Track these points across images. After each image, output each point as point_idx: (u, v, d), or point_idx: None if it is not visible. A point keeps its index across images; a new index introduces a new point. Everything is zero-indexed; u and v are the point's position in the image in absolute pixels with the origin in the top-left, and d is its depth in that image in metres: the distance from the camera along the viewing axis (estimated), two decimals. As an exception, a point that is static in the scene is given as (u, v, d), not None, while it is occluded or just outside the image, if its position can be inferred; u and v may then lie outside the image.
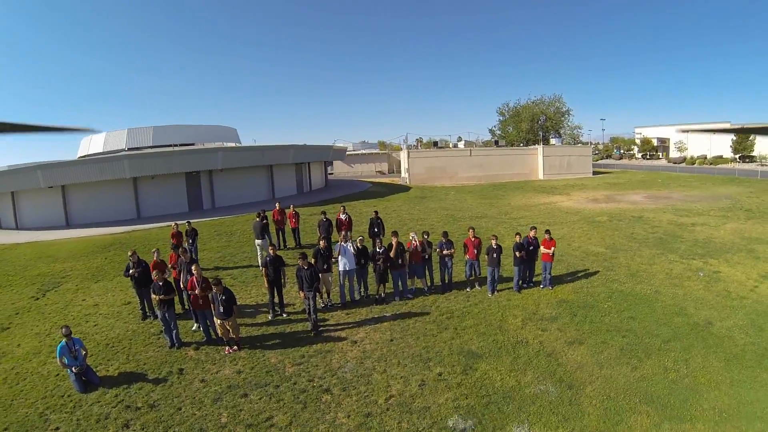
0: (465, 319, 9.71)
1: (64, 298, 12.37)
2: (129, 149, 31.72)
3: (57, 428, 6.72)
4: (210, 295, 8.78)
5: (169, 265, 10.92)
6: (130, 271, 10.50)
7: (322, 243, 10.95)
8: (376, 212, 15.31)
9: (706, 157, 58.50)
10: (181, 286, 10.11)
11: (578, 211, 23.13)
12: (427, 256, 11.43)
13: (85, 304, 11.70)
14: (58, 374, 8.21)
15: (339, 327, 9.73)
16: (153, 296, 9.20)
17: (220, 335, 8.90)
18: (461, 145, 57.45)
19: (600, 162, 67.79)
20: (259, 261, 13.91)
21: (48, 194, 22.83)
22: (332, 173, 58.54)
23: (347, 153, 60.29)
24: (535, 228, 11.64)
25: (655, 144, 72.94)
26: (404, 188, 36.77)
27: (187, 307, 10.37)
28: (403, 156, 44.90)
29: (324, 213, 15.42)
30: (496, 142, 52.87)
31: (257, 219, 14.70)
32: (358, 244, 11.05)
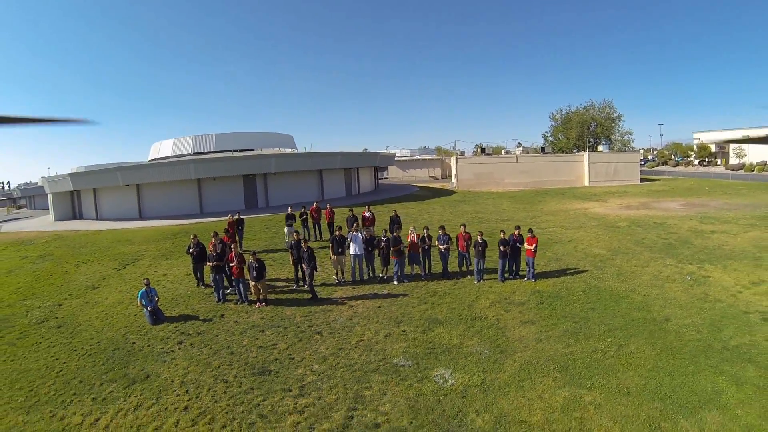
0: (444, 298, 12.58)
1: (140, 269, 16.73)
2: (194, 154, 37.38)
3: (134, 342, 10.58)
4: (247, 264, 12.44)
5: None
6: (191, 249, 14.47)
7: (337, 232, 14.34)
8: (395, 211, 18.46)
9: (765, 164, 55.63)
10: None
11: (603, 216, 24.63)
12: (426, 247, 14.41)
13: (156, 274, 15.91)
14: (136, 315, 12.20)
15: (345, 297, 13.01)
16: (208, 263, 13.06)
17: (253, 295, 12.50)
18: (519, 150, 59.08)
19: (656, 169, 66.01)
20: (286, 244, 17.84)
21: (124, 191, 28.54)
22: (387, 177, 62.53)
23: (403, 158, 63.96)
24: (519, 227, 14.20)
25: (713, 150, 69.46)
26: (449, 192, 39.52)
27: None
28: (452, 162, 47.60)
29: (351, 210, 18.82)
30: (543, 149, 54.09)
31: (288, 212, 18.78)
32: (367, 235, 14.29)
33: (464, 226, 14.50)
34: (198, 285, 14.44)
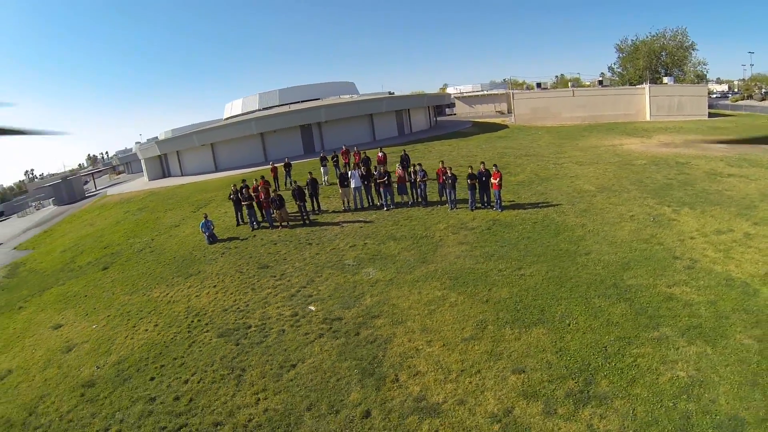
0: (413, 221, 16.99)
1: (209, 210, 22.96)
2: (261, 109, 43.78)
3: (195, 255, 16.66)
4: (271, 198, 17.86)
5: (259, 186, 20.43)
6: (231, 196, 20.04)
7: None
8: (405, 150, 22.68)
9: None
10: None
11: (630, 153, 25.90)
12: (412, 180, 18.67)
13: (219, 212, 22.07)
14: (200, 239, 18.26)
15: (343, 220, 18.02)
16: (243, 203, 18.72)
17: (277, 221, 17.99)
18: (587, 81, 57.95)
19: (740, 103, 59.83)
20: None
21: (201, 150, 35.85)
22: (454, 114, 65.18)
23: (469, 94, 65.79)
24: (483, 162, 17.73)
25: None
26: (498, 128, 42.01)
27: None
28: (510, 97, 49.14)
29: (362, 152, 23.36)
30: (600, 82, 52.43)
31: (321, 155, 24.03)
32: (363, 171, 18.91)
33: (442, 162, 18.45)
34: (238, 224, 19.86)
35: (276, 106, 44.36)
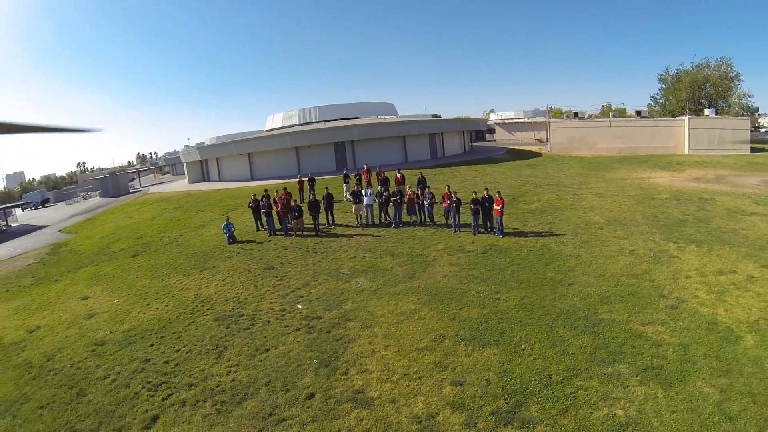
0: (414, 240, 18.25)
1: (236, 215, 25.15)
2: (301, 124, 46.35)
3: (214, 252, 18.55)
4: (291, 208, 19.61)
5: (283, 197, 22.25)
6: (250, 204, 21.95)
7: (355, 188, 20.72)
8: (422, 173, 24.02)
9: None
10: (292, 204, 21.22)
11: (655, 187, 25.91)
12: (421, 202, 19.98)
13: (244, 216, 24.01)
14: (221, 239, 20.14)
15: (353, 234, 19.59)
16: (262, 210, 20.53)
17: (293, 230, 19.69)
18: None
19: None
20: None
21: (239, 158, 38.62)
22: (494, 139, 66.07)
23: (510, 121, 66.60)
24: (487, 189, 18.85)
25: None
26: (531, 156, 42.78)
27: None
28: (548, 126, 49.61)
29: (383, 172, 24.84)
30: (638, 113, 51.82)
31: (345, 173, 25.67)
32: (382, 190, 20.42)
33: (448, 186, 19.67)
34: (257, 230, 21.75)
35: (314, 122, 46.84)
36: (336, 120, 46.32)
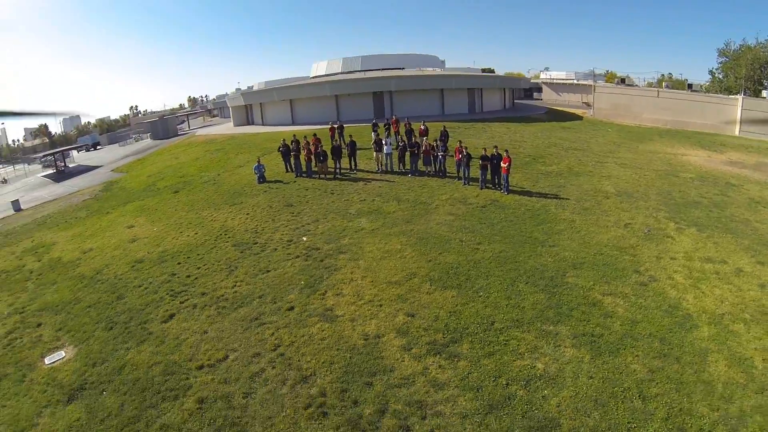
0: (424, 189, 19.60)
1: (271, 157, 27.09)
2: (345, 72, 47.41)
3: (244, 190, 20.74)
4: (317, 153, 21.41)
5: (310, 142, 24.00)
6: (280, 148, 23.78)
7: (373, 136, 22.23)
8: (444, 126, 24.93)
9: None
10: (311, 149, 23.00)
11: (684, 164, 24.65)
12: (436, 154, 21.24)
13: (277, 159, 25.77)
14: (252, 178, 22.22)
15: (371, 179, 21.17)
16: (292, 153, 22.40)
17: (317, 173, 21.55)
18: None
19: None
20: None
21: (281, 104, 40.51)
22: (541, 99, 64.71)
23: (558, 81, 64.88)
24: (496, 146, 19.73)
25: None
26: (572, 118, 42.19)
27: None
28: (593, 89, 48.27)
29: (410, 123, 25.95)
30: (690, 86, 48.77)
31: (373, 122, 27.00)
32: (395, 139, 21.78)
33: (460, 142, 20.69)
34: (287, 171, 23.71)
35: (357, 71, 47.75)
36: (379, 70, 47.02)
